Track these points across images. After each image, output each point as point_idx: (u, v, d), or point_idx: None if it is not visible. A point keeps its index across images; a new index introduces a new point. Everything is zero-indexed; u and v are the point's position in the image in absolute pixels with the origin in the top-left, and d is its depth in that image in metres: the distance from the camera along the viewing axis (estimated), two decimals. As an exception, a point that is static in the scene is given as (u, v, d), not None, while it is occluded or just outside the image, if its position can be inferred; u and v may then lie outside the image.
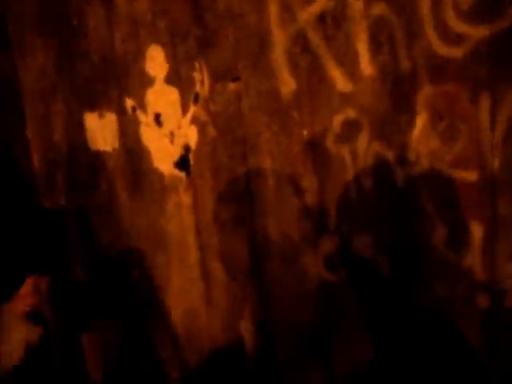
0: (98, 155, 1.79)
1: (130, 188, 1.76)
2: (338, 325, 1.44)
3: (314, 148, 1.37)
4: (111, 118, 1.73)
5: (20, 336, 1.40)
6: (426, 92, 1.20)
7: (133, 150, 1.71)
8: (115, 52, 1.65)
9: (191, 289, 1.71)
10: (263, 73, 1.40)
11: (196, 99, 1.53)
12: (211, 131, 1.53)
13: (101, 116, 1.75)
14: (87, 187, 1.86)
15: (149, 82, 1.61)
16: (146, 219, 1.74)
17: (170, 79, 1.57)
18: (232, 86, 1.46)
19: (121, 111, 1.70)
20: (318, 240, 1.42)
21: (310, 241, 1.43)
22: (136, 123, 1.67)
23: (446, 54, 1.16)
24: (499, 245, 1.20)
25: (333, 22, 1.27)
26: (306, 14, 1.30)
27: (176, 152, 1.61)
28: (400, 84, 1.23)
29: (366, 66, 1.26)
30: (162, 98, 1.59)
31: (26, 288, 1.45)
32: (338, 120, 1.32)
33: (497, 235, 1.19)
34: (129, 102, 1.67)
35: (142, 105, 1.64)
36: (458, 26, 1.13)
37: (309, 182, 1.40)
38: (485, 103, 1.15)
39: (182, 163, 1.61)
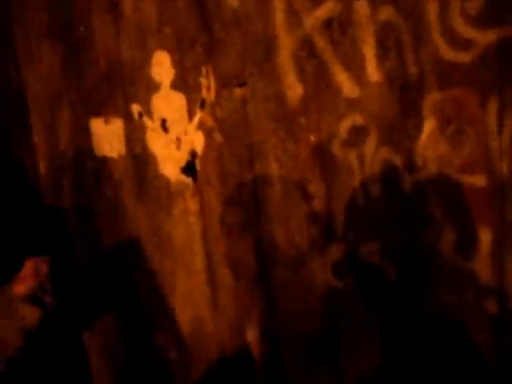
0: (104, 161, 1.79)
1: (136, 194, 1.75)
2: (345, 332, 1.43)
3: (321, 154, 1.36)
4: (117, 124, 1.73)
5: (19, 318, 1.37)
6: (433, 97, 1.20)
7: (139, 156, 1.71)
8: (122, 58, 1.65)
9: (198, 294, 1.70)
10: (270, 78, 1.39)
11: (202, 105, 1.53)
12: (218, 137, 1.53)
13: (107, 122, 1.75)
14: (93, 193, 1.86)
15: (155, 87, 1.61)
16: (153, 225, 1.74)
17: (177, 85, 1.56)
18: (238, 91, 1.46)
19: (127, 117, 1.70)
20: (326, 246, 1.41)
21: (317, 247, 1.42)
22: (142, 129, 1.67)
23: (453, 59, 1.16)
24: (508, 250, 1.19)
25: (339, 27, 1.27)
26: (313, 19, 1.30)
27: (182, 158, 1.61)
28: (407, 89, 1.22)
29: (373, 71, 1.25)
30: (169, 103, 1.59)
31: (26, 270, 1.42)
32: (345, 125, 1.32)
33: (505, 240, 1.19)
34: (135, 108, 1.67)
35: (148, 110, 1.64)
36: (466, 31, 1.13)
37: (316, 188, 1.39)
38: (492, 107, 1.14)
39: (189, 169, 1.61)
